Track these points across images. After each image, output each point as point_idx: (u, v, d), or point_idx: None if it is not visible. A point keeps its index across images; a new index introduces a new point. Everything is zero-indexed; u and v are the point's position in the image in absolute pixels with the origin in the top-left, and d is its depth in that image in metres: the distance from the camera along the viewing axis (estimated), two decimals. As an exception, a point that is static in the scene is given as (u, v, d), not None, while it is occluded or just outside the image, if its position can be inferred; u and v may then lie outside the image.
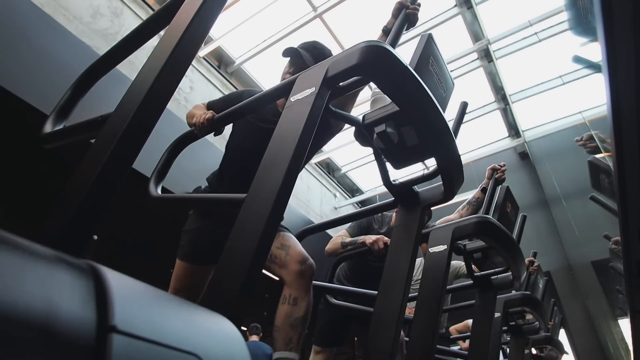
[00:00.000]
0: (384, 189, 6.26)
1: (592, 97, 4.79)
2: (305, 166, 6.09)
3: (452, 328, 3.28)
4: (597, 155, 1.89)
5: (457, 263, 2.57)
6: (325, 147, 6.80)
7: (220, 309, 0.38)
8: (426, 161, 1.14)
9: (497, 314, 1.77)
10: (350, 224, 2.18)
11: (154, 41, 0.79)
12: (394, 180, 1.19)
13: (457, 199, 1.64)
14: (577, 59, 1.47)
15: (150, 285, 0.30)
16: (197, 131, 1.16)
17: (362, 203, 7.38)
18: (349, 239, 1.99)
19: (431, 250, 1.24)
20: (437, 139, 0.93)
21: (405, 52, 1.15)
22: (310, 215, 5.96)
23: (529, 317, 2.16)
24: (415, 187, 1.19)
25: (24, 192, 3.65)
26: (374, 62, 0.72)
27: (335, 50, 1.33)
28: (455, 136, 1.20)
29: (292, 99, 0.74)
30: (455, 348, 2.88)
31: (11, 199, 3.68)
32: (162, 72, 0.61)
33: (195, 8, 0.66)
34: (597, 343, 5.00)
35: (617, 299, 4.40)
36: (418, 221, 1.12)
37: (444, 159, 0.99)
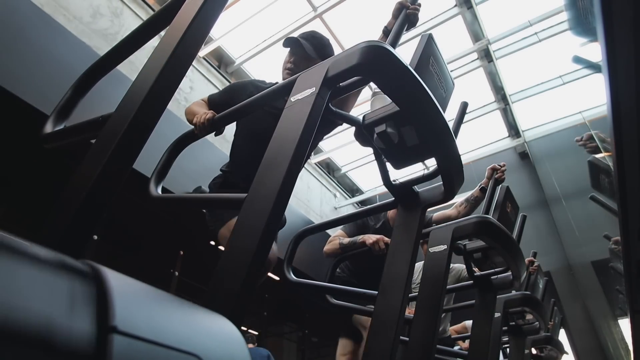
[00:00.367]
0: (384, 189, 6.28)
1: (592, 97, 4.79)
2: (305, 166, 6.10)
3: (450, 328, 3.28)
4: (597, 155, 1.89)
5: (459, 266, 2.57)
6: (325, 147, 6.82)
7: (220, 309, 0.38)
8: (426, 161, 1.14)
9: (497, 314, 1.77)
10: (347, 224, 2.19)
11: (154, 41, 0.79)
12: (394, 180, 1.19)
13: (457, 199, 1.64)
14: (577, 59, 1.48)
15: (150, 285, 0.30)
16: (197, 131, 1.16)
17: (362, 203, 7.38)
18: (347, 240, 1.99)
19: (431, 250, 1.24)
20: (437, 139, 0.93)
21: (406, 52, 1.15)
22: (310, 215, 5.96)
23: (529, 317, 2.16)
24: (416, 187, 1.19)
25: (24, 192, 3.65)
26: (375, 62, 0.72)
27: (335, 50, 1.34)
28: (456, 136, 1.20)
29: (292, 98, 0.74)
30: (455, 348, 2.88)
31: (11, 199, 3.68)
32: (163, 72, 0.61)
33: (195, 8, 0.66)
34: (597, 343, 5.00)
35: (617, 299, 4.40)
36: (418, 221, 1.12)
37: (444, 159, 0.99)
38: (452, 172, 1.03)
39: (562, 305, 5.21)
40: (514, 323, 2.18)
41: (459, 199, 2.10)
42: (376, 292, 1.09)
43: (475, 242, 1.55)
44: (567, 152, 5.55)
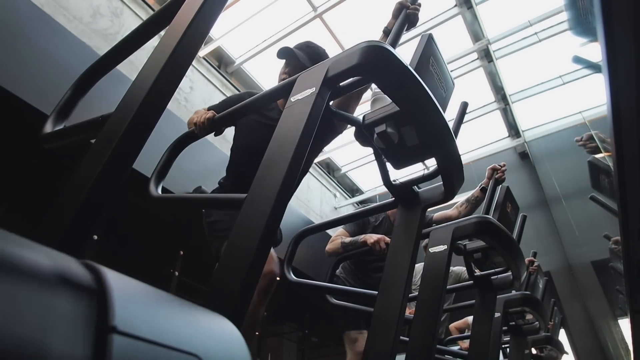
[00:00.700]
0: (384, 189, 6.28)
1: (592, 97, 4.79)
2: (305, 166, 6.09)
3: (451, 326, 3.28)
4: (597, 155, 1.89)
5: (460, 269, 2.57)
6: (325, 147, 6.78)
7: (220, 309, 0.38)
8: (426, 161, 1.14)
9: (497, 314, 1.77)
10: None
11: (154, 41, 0.79)
12: (394, 180, 1.19)
13: (456, 199, 1.64)
14: (577, 59, 1.48)
15: (150, 285, 0.30)
16: (197, 131, 1.16)
17: (362, 203, 7.37)
18: (348, 239, 1.99)
19: (431, 250, 1.24)
20: (437, 139, 0.93)
21: (406, 52, 1.15)
22: (310, 215, 5.96)
23: (529, 317, 2.16)
24: (416, 187, 1.19)
25: (24, 192, 3.65)
26: (374, 62, 0.72)
27: (335, 51, 1.33)
28: (456, 136, 1.20)
29: (292, 99, 0.74)
30: (455, 348, 2.88)
31: (11, 198, 3.68)
32: (163, 72, 0.61)
33: (195, 8, 0.66)
34: (597, 343, 5.00)
35: (617, 299, 4.40)
36: (418, 221, 1.12)
37: (444, 159, 0.99)
38: (452, 172, 1.03)
39: (562, 305, 5.21)
40: (514, 323, 2.18)
41: (459, 199, 2.10)
42: (376, 292, 1.09)
43: (475, 242, 1.55)
44: (567, 152, 5.55)
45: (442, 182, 1.10)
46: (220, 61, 5.40)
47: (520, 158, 6.46)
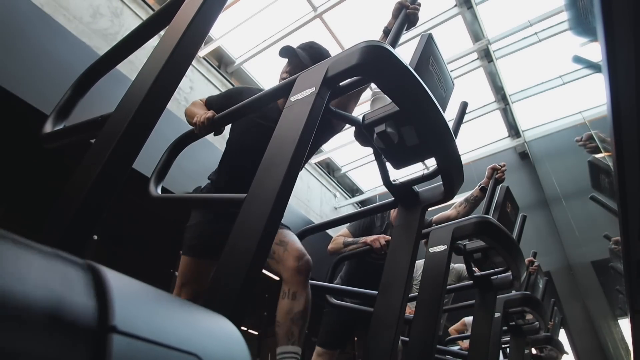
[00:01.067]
0: (384, 189, 6.27)
1: (592, 97, 4.78)
2: (305, 166, 6.10)
3: (451, 329, 3.28)
4: (597, 155, 1.89)
5: (460, 266, 2.57)
6: (325, 147, 6.81)
7: (220, 309, 0.38)
8: (426, 161, 1.14)
9: (497, 314, 1.77)
10: (352, 222, 2.19)
11: (154, 41, 0.79)
12: (394, 180, 1.19)
13: (456, 199, 1.64)
14: (577, 59, 1.48)
15: (151, 285, 0.30)
16: (197, 131, 1.16)
17: (362, 203, 7.37)
18: (350, 239, 1.99)
19: (431, 250, 1.24)
20: (437, 139, 0.93)
21: (406, 52, 1.15)
22: (310, 215, 5.96)
23: (529, 317, 2.16)
24: (415, 187, 1.19)
25: (24, 192, 3.65)
26: (374, 62, 0.72)
27: (335, 51, 1.33)
28: (455, 136, 1.20)
29: (292, 99, 0.74)
30: (455, 348, 2.88)
31: (11, 198, 3.68)
32: (162, 72, 0.61)
33: (195, 8, 0.66)
34: (597, 343, 5.00)
35: (617, 299, 4.40)
36: (418, 221, 1.12)
37: (444, 159, 0.99)
38: (452, 172, 1.03)
39: (562, 305, 5.21)
40: (514, 323, 2.18)
41: (459, 198, 2.10)
42: (376, 292, 1.09)
43: (475, 242, 1.55)
44: (567, 152, 5.54)
45: (442, 182, 1.10)
46: (220, 61, 5.40)
47: (520, 158, 6.46)
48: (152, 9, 4.15)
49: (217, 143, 4.10)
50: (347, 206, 7.20)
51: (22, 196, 3.69)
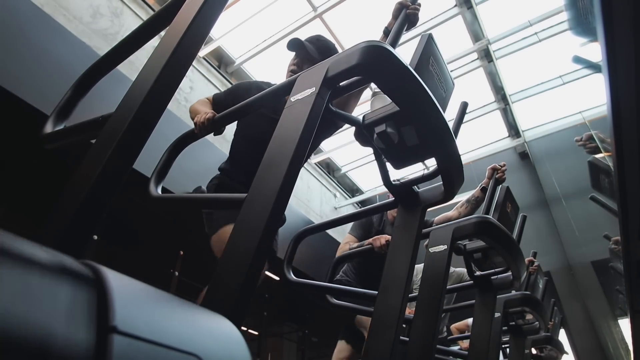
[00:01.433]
0: (384, 189, 6.26)
1: (592, 97, 4.78)
2: (305, 166, 6.10)
3: (452, 327, 3.28)
4: (597, 155, 1.89)
5: (461, 270, 2.57)
6: (325, 147, 6.81)
7: (220, 309, 0.38)
8: (426, 161, 1.14)
9: (497, 314, 1.77)
10: (352, 226, 2.19)
11: (154, 41, 0.79)
12: (394, 180, 1.19)
13: (457, 198, 1.64)
14: (577, 59, 1.48)
15: (150, 285, 0.30)
16: (197, 131, 1.16)
17: (362, 203, 7.37)
18: (356, 244, 2.00)
19: (431, 250, 1.24)
20: (437, 139, 0.93)
21: (406, 52, 1.15)
22: (310, 215, 5.96)
23: (529, 317, 2.16)
24: (416, 187, 1.19)
25: (24, 192, 3.65)
26: (374, 62, 0.72)
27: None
28: (456, 136, 1.20)
29: (292, 99, 0.74)
30: (455, 348, 2.88)
31: (11, 198, 3.68)
32: (163, 72, 0.61)
33: (196, 8, 0.66)
34: (597, 343, 5.00)
35: (617, 299, 4.40)
36: (418, 221, 1.12)
37: (444, 159, 0.99)
38: (452, 172, 1.03)
39: (562, 305, 5.21)
40: (514, 323, 2.18)
41: (459, 199, 2.11)
42: (376, 292, 1.09)
43: (475, 242, 1.55)
44: (567, 152, 5.54)
45: (442, 182, 1.10)
46: (220, 61, 5.40)
47: (520, 158, 6.46)
48: (152, 9, 4.15)
49: (217, 143, 4.10)
50: (347, 206, 7.20)
51: (23, 196, 3.69)
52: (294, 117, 0.70)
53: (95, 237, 3.24)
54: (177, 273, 4.06)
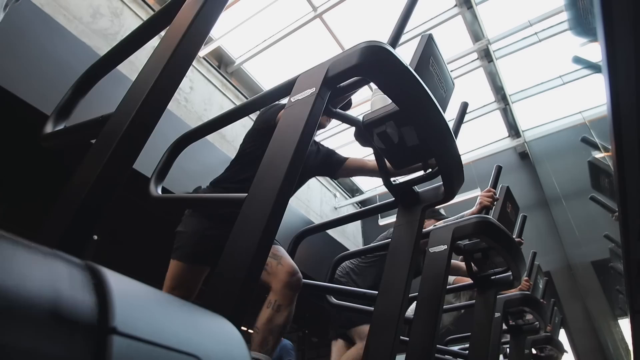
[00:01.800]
0: (384, 189, 6.27)
1: (592, 97, 4.78)
2: (305, 166, 6.08)
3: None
4: (597, 156, 1.89)
5: (451, 279, 2.57)
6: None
7: (220, 310, 0.38)
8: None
9: (497, 314, 1.77)
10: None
11: (154, 41, 0.79)
12: (394, 180, 1.19)
13: (457, 199, 1.64)
14: (577, 59, 1.48)
15: (150, 285, 0.30)
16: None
17: (362, 203, 7.37)
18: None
19: (431, 250, 1.24)
20: (438, 139, 0.93)
21: (406, 52, 1.16)
22: (310, 215, 5.96)
23: (529, 317, 2.16)
24: (416, 187, 1.19)
25: (23, 192, 3.65)
26: (374, 63, 0.72)
27: (335, 51, 1.33)
28: (456, 136, 1.20)
29: (292, 99, 0.74)
30: (455, 348, 2.88)
31: (11, 198, 3.68)
32: (163, 72, 0.61)
33: (196, 9, 0.66)
34: (597, 343, 4.99)
35: (617, 299, 4.39)
36: (418, 221, 1.12)
37: (444, 159, 0.99)
38: (452, 172, 1.03)
39: (562, 305, 5.21)
40: (514, 323, 2.18)
41: (459, 199, 2.10)
42: (376, 292, 1.09)
43: (475, 242, 1.55)
44: (567, 152, 5.54)
45: (442, 182, 1.10)
46: (220, 61, 5.40)
47: (520, 158, 6.45)
48: (152, 9, 4.15)
49: (217, 143, 4.10)
50: (347, 206, 7.20)
51: (23, 196, 3.69)
52: (294, 117, 0.70)
53: (95, 237, 3.24)
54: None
